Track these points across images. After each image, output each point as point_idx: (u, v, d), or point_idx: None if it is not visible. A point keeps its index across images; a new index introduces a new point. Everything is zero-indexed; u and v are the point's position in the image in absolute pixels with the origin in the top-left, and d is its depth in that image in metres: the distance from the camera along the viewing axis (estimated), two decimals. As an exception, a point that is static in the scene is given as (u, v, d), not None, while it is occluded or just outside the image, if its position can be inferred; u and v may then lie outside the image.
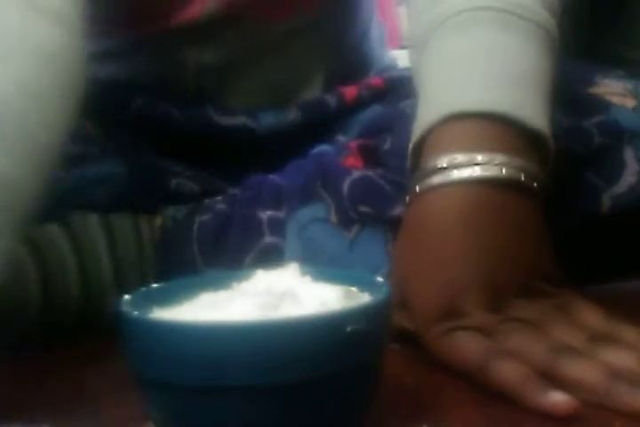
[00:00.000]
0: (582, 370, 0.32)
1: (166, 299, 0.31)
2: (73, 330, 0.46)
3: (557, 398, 0.30)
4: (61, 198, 0.48)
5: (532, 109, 0.39)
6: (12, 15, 0.38)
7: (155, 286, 0.32)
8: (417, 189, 0.38)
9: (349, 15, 0.60)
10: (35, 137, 0.38)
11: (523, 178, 0.37)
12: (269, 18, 0.56)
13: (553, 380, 0.32)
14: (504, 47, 0.41)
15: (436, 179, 0.38)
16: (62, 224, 0.47)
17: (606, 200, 0.45)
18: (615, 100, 0.47)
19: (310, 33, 0.58)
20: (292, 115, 0.57)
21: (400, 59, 0.70)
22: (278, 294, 0.28)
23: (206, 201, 0.51)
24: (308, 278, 0.31)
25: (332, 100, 0.58)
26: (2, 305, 0.42)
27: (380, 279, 0.31)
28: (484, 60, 0.41)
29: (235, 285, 0.31)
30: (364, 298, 0.30)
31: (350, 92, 0.58)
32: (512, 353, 0.33)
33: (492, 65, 0.40)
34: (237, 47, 0.56)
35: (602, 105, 0.47)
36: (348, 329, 0.27)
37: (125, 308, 0.29)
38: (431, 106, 0.41)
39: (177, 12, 0.54)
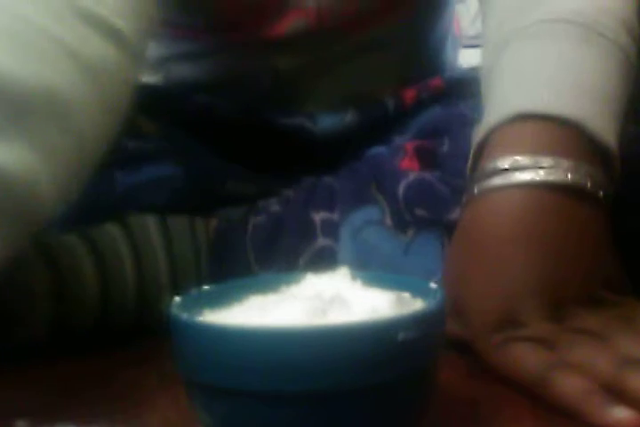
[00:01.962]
0: (649, 384, 0.30)
1: (216, 301, 0.31)
2: (129, 331, 0.46)
3: (622, 414, 0.29)
4: (119, 199, 0.49)
5: (602, 122, 0.38)
6: (64, 26, 0.39)
7: (205, 288, 0.32)
8: (475, 190, 0.37)
9: (427, 28, 0.61)
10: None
11: (588, 184, 0.36)
12: (348, 31, 0.56)
13: (618, 394, 0.30)
14: (581, 60, 0.40)
15: (497, 180, 0.36)
16: (120, 225, 0.48)
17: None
18: None
19: (386, 45, 0.58)
20: (349, 117, 0.57)
21: (461, 59, 0.69)
22: (327, 299, 0.28)
23: (260, 203, 0.50)
24: (358, 283, 0.30)
25: (390, 102, 0.57)
26: (59, 304, 0.43)
27: (433, 285, 0.30)
28: (559, 67, 0.40)
29: (284, 288, 0.31)
30: (417, 304, 0.29)
31: (409, 94, 0.58)
32: (574, 366, 0.32)
33: (566, 73, 0.39)
34: (314, 56, 0.57)
35: None
36: (400, 338, 0.26)
37: (175, 310, 0.29)
38: (498, 106, 0.40)
39: (264, 28, 0.55)
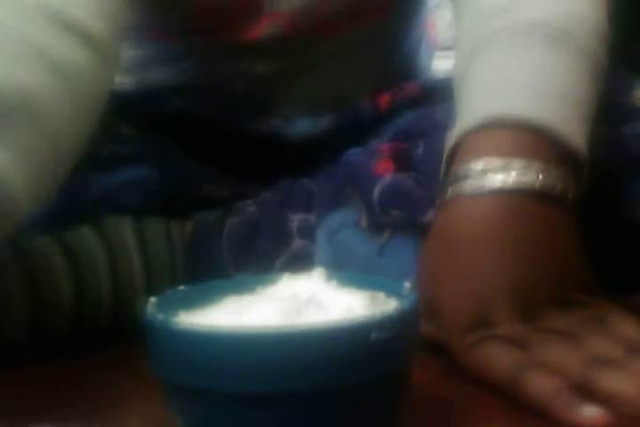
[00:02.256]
0: (619, 383, 0.31)
1: (192, 302, 0.31)
2: (104, 333, 0.46)
3: (591, 413, 0.29)
4: (94, 202, 0.49)
5: (572, 126, 0.38)
6: (35, 28, 0.39)
7: (181, 289, 0.32)
8: (448, 193, 0.38)
9: (402, 32, 0.61)
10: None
11: (559, 187, 0.36)
12: (322, 35, 0.56)
13: (588, 393, 0.31)
14: (551, 64, 0.41)
15: (470, 183, 0.37)
16: (95, 227, 0.48)
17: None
18: None
19: (360, 49, 0.59)
20: (325, 121, 0.57)
21: (436, 64, 0.70)
22: (302, 300, 0.28)
23: (237, 205, 0.51)
24: (333, 284, 0.30)
25: (366, 107, 0.58)
26: (33, 307, 0.43)
27: (407, 286, 0.31)
28: (529, 72, 0.40)
29: (260, 289, 0.31)
30: (391, 305, 0.29)
31: (384, 99, 0.58)
32: (546, 365, 0.32)
33: (536, 79, 0.40)
34: (288, 60, 0.57)
35: None
36: (373, 337, 0.26)
37: (150, 311, 0.29)
38: (470, 111, 0.40)
39: (239, 32, 0.55)
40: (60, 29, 0.40)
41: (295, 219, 0.48)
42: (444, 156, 0.41)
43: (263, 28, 0.55)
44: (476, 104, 0.41)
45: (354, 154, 0.51)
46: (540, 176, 0.36)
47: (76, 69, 0.40)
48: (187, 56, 0.59)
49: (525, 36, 0.42)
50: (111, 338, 0.45)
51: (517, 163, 0.36)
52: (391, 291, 0.30)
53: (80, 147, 0.41)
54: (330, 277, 0.31)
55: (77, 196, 0.49)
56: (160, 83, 0.60)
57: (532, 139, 0.37)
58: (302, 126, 0.57)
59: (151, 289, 0.47)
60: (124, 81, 0.64)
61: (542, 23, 0.42)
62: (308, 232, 0.47)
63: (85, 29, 0.41)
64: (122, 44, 0.46)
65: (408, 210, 0.45)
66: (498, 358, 0.33)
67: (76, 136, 0.40)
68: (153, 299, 0.30)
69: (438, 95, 0.55)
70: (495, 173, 0.36)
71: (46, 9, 0.40)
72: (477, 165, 0.37)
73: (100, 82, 0.42)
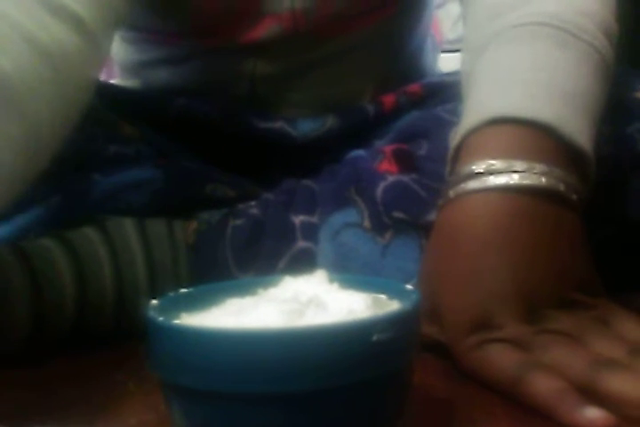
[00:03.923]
0: (623, 384, 0.30)
1: (194, 304, 0.31)
2: (108, 334, 0.46)
3: (594, 415, 0.29)
4: (98, 202, 0.49)
5: (577, 126, 0.38)
6: (22, 11, 0.38)
7: (183, 291, 0.32)
8: (451, 193, 0.38)
9: (406, 33, 0.61)
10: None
11: (562, 188, 0.36)
12: (324, 36, 0.56)
13: (592, 395, 0.30)
14: (557, 63, 0.40)
15: (471, 184, 0.37)
16: (98, 228, 0.48)
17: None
18: None
19: (364, 49, 0.58)
20: (329, 122, 0.57)
21: (440, 63, 0.70)
22: (304, 301, 0.28)
23: (240, 206, 0.51)
24: (335, 285, 0.30)
25: (370, 107, 0.58)
26: (36, 308, 0.43)
27: (409, 287, 0.31)
28: (534, 71, 0.40)
29: (261, 291, 0.31)
30: (393, 306, 0.29)
31: (389, 99, 0.58)
32: (548, 366, 0.32)
33: (542, 77, 0.40)
34: (290, 61, 0.57)
35: None
36: (374, 338, 0.26)
37: (152, 313, 0.29)
38: (474, 110, 0.40)
39: (240, 33, 0.56)
40: (47, 13, 0.39)
41: (298, 220, 0.48)
42: (449, 155, 0.41)
43: (264, 29, 0.55)
44: (481, 103, 0.40)
45: (357, 154, 0.51)
46: (543, 179, 0.36)
47: (62, 53, 0.39)
48: (190, 58, 0.59)
49: (533, 30, 0.42)
50: (113, 339, 0.46)
51: (520, 165, 0.36)
52: (393, 292, 0.30)
53: (64, 132, 0.40)
54: (332, 279, 0.31)
55: (81, 196, 0.49)
56: (164, 84, 0.60)
57: (537, 139, 0.37)
58: (306, 126, 0.57)
59: (154, 290, 0.47)
60: (127, 83, 0.64)
61: (551, 17, 0.42)
62: (311, 233, 0.47)
63: (74, 14, 0.40)
64: (113, 32, 0.45)
65: (411, 210, 0.45)
66: (500, 359, 0.33)
67: (59, 121, 0.39)
68: (155, 301, 0.30)
69: (443, 95, 0.55)
70: (497, 176, 0.36)
71: None
72: (479, 167, 0.37)
73: (87, 67, 0.42)
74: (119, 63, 0.65)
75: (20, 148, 0.37)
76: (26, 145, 0.37)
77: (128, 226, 0.48)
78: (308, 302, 0.28)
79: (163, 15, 0.55)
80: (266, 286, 0.31)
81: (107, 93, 0.55)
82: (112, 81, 0.68)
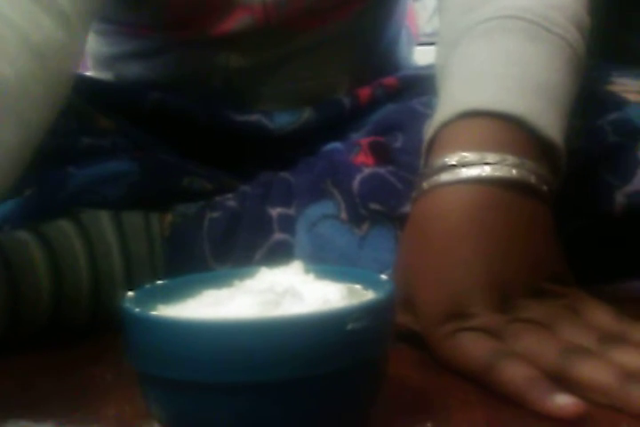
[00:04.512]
0: (593, 371, 0.31)
1: (170, 296, 0.31)
2: (85, 327, 0.46)
3: (564, 401, 0.30)
4: (73, 195, 0.49)
5: (549, 119, 0.38)
6: (16, 11, 0.39)
7: (159, 282, 0.32)
8: (424, 185, 0.38)
9: (379, 25, 0.61)
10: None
11: (533, 180, 0.37)
12: (296, 28, 0.56)
13: (563, 382, 0.31)
14: (529, 57, 0.41)
15: (444, 176, 0.37)
16: (74, 220, 0.47)
17: (621, 198, 0.44)
18: (632, 98, 0.46)
19: (338, 42, 0.59)
20: (306, 115, 0.57)
21: (416, 56, 0.70)
22: (280, 292, 0.28)
23: (217, 198, 0.51)
24: (311, 276, 0.30)
25: (346, 100, 0.58)
26: (12, 301, 0.43)
27: (384, 277, 0.31)
28: (506, 64, 0.40)
29: (237, 282, 0.31)
30: (368, 296, 0.30)
31: (364, 92, 0.58)
32: (520, 354, 0.33)
33: (514, 70, 0.40)
34: (263, 53, 0.57)
35: (616, 103, 0.46)
36: (349, 327, 0.26)
37: (128, 304, 0.29)
38: (447, 103, 0.40)
39: (212, 25, 0.55)
40: (40, 9, 0.39)
41: (275, 212, 0.48)
42: (423, 147, 0.41)
43: (236, 21, 0.55)
44: (454, 96, 0.41)
45: (334, 147, 0.52)
46: (514, 171, 0.36)
47: (53, 52, 0.39)
48: (163, 51, 0.59)
49: (505, 24, 0.42)
50: (90, 331, 0.45)
51: (492, 157, 0.37)
52: (368, 283, 0.31)
53: (47, 128, 0.40)
54: (308, 270, 0.31)
55: (56, 189, 0.49)
56: (137, 77, 0.60)
57: (509, 131, 0.38)
58: (283, 119, 0.57)
59: (131, 283, 0.47)
60: (101, 75, 0.64)
61: (523, 10, 0.42)
62: (288, 225, 0.47)
63: (60, 8, 0.40)
64: (90, 25, 0.45)
65: (387, 202, 0.45)
66: (473, 347, 0.33)
67: (44, 120, 0.39)
68: (131, 293, 0.30)
69: (419, 88, 0.55)
70: (470, 168, 0.37)
71: None
72: (452, 159, 0.37)
73: (70, 62, 0.42)
74: (92, 55, 0.65)
75: (18, 156, 0.37)
76: (21, 153, 0.37)
77: (104, 218, 0.48)
78: (283, 292, 0.28)
79: (134, 7, 0.55)
80: (242, 277, 0.31)
81: (82, 86, 0.55)
82: (85, 73, 0.68)
